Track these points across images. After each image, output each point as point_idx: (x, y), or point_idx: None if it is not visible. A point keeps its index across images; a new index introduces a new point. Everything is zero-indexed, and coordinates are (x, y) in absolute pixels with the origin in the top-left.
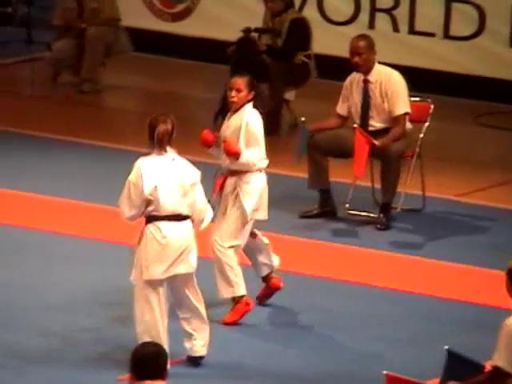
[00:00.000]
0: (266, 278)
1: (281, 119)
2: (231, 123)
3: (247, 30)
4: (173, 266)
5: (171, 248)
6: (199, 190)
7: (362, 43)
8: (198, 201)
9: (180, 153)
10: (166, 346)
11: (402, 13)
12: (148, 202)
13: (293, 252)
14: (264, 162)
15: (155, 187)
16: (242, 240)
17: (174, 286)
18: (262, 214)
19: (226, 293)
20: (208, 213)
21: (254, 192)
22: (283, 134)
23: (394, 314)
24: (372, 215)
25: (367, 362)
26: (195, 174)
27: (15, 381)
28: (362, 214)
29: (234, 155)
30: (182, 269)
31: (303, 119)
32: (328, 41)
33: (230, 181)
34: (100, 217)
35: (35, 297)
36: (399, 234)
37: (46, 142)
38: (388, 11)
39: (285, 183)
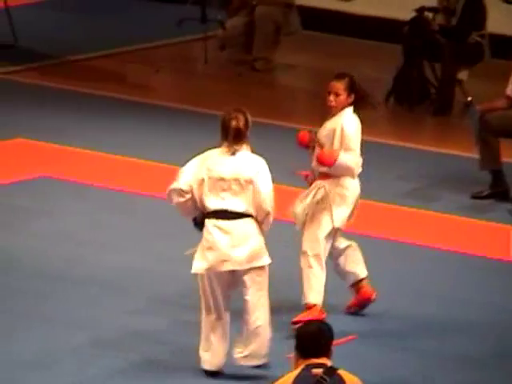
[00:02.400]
0: (355, 288)
1: (453, 99)
2: (328, 126)
3: (421, 9)
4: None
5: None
6: (258, 187)
7: None
8: (257, 198)
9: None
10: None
11: None
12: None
13: (463, 233)
14: (358, 169)
15: (202, 179)
16: (325, 248)
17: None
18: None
19: (313, 298)
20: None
21: (348, 200)
22: (456, 115)
23: None
24: None
25: None
26: (254, 170)
27: None
28: None
29: (326, 166)
30: (226, 266)
31: (470, 99)
32: (503, 20)
33: (321, 184)
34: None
35: None
36: None
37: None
38: None
39: (457, 163)
